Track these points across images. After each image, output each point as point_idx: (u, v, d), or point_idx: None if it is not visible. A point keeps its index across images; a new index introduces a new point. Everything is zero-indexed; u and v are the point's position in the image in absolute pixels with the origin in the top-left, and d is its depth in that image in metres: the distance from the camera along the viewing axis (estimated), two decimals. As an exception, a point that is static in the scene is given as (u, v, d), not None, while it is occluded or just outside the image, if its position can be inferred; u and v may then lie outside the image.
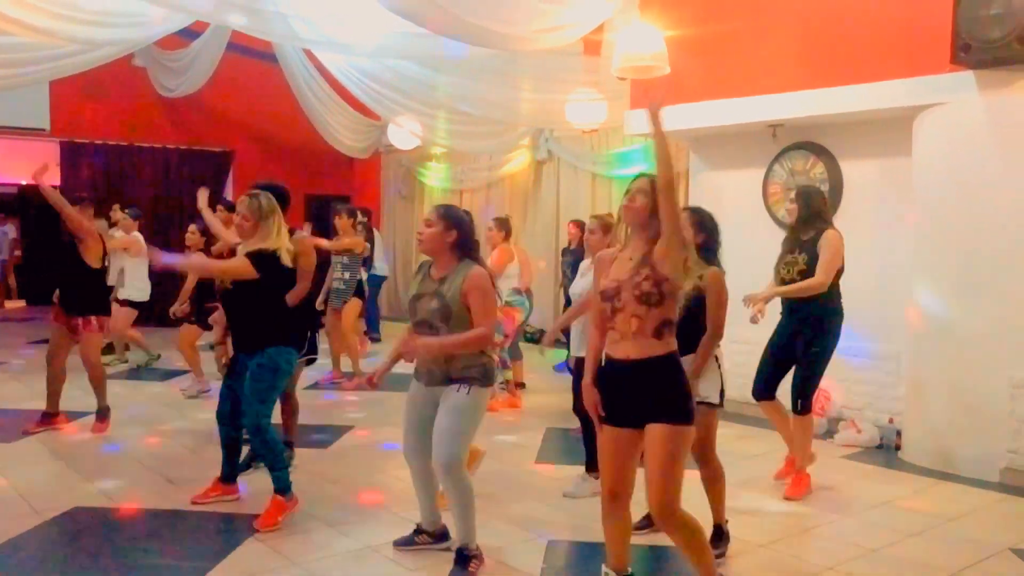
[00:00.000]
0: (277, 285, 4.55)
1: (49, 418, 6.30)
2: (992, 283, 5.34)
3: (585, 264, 5.16)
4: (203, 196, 5.89)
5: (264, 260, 4.39)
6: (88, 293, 6.25)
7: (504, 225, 7.70)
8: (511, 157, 11.83)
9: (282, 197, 4.80)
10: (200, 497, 4.68)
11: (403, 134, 11.58)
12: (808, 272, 4.86)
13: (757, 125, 6.67)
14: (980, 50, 5.08)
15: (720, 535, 4.03)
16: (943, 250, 5.58)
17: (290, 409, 5.49)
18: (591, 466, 4.81)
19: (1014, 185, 5.26)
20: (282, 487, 4.42)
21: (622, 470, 3.24)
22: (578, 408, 4.86)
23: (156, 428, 6.44)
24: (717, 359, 4.04)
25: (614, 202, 10.18)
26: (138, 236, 8.76)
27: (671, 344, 3.17)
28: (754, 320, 4.87)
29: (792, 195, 5.25)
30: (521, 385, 7.82)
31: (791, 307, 5.05)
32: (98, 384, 6.31)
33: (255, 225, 4.44)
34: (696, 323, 3.86)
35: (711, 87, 6.73)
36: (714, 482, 4.05)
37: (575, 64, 8.75)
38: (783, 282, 5.01)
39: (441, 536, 4.07)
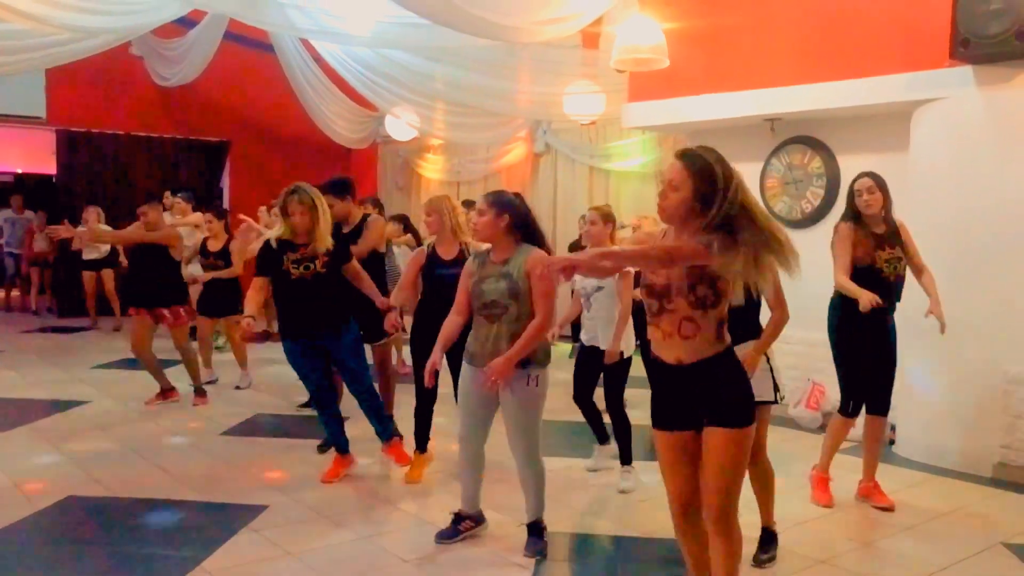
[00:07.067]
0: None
1: (165, 393, 6.83)
2: (987, 278, 5.34)
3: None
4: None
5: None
6: (170, 284, 6.70)
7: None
8: (508, 149, 11.81)
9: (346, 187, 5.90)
10: (330, 476, 4.95)
11: (400, 125, 11.56)
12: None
13: (755, 119, 6.65)
14: (979, 45, 5.07)
15: (770, 538, 3.90)
16: (938, 245, 5.56)
17: (386, 383, 5.78)
18: (626, 459, 4.92)
19: (1011, 181, 5.25)
20: (390, 432, 5.08)
21: (690, 479, 2.88)
22: (578, 397, 5.00)
23: (150, 417, 6.43)
24: (766, 355, 3.75)
25: (611, 195, 10.18)
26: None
27: (727, 339, 2.80)
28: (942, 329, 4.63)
29: (868, 184, 4.64)
30: None
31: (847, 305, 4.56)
32: (189, 366, 6.86)
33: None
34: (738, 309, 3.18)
35: (709, 80, 6.72)
36: (763, 482, 3.85)
37: (573, 56, 8.74)
38: (887, 280, 4.57)
39: (481, 517, 4.12)
